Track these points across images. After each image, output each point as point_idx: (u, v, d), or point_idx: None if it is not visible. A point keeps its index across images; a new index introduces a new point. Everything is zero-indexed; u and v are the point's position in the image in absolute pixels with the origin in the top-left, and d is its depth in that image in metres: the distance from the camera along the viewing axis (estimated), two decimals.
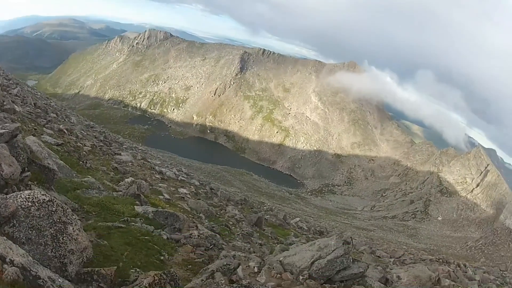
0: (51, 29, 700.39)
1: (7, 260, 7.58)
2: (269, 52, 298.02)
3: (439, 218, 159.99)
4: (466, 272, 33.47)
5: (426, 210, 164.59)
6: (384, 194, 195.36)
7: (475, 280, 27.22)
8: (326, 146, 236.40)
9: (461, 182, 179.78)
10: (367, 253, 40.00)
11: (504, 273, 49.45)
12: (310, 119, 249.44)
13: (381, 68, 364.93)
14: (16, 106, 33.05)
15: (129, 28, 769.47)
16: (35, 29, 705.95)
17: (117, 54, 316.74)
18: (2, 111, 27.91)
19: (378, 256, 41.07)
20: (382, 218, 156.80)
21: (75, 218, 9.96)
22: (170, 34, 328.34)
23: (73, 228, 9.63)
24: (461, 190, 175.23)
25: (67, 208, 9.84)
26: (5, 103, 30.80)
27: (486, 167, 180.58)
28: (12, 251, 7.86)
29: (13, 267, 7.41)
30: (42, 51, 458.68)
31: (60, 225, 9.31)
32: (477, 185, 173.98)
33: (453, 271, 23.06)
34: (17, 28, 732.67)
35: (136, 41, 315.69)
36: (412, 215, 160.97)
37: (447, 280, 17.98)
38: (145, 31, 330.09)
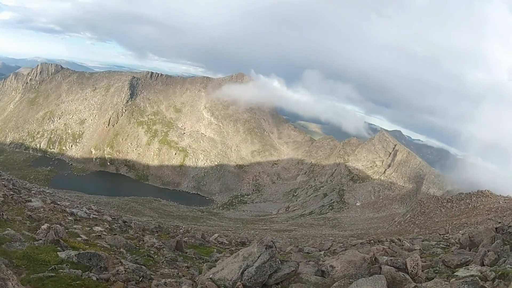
0: None
1: None
2: (157, 75, 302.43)
3: (358, 204, 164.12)
4: (403, 245, 34.43)
5: (342, 199, 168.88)
6: (295, 194, 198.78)
7: (415, 249, 28.12)
8: (226, 159, 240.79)
9: (371, 166, 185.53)
10: (295, 252, 40.70)
11: (446, 236, 50.86)
12: (205, 135, 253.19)
13: (268, 75, 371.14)
14: None
15: (23, 63, 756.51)
16: None
17: (13, 93, 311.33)
18: None
19: (307, 253, 41.81)
20: (300, 216, 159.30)
21: (11, 273, 10.17)
22: (61, 67, 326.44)
23: (12, 284, 9.83)
24: (372, 174, 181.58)
25: (1, 264, 10.09)
26: None
27: (394, 148, 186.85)
28: None
29: None
30: None
31: (1, 282, 9.45)
32: (389, 166, 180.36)
33: (389, 247, 23.83)
34: None
35: (30, 77, 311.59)
36: (329, 207, 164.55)
37: (384, 257, 18.52)
38: (37, 65, 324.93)
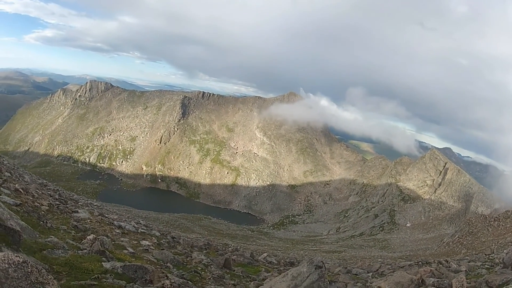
0: None
1: None
2: (208, 94, 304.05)
3: (408, 225, 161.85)
4: (449, 267, 33.48)
5: (393, 220, 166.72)
6: (346, 215, 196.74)
7: (461, 271, 27.24)
8: (278, 179, 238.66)
9: (421, 186, 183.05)
10: (343, 273, 39.81)
11: (491, 256, 49.56)
12: (258, 155, 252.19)
13: (315, 93, 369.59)
14: None
15: (71, 80, 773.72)
16: None
17: (61, 108, 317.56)
18: None
19: (356, 274, 40.91)
20: (350, 237, 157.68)
21: (51, 279, 9.71)
22: (111, 85, 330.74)
23: None
24: (423, 194, 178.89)
25: (42, 269, 9.62)
26: None
27: (444, 166, 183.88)
28: None
29: None
30: None
31: (38, 286, 9.11)
32: (439, 185, 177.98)
33: (436, 269, 23.05)
34: None
35: (79, 94, 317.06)
36: (379, 228, 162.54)
37: (431, 279, 17.91)
38: (87, 82, 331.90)
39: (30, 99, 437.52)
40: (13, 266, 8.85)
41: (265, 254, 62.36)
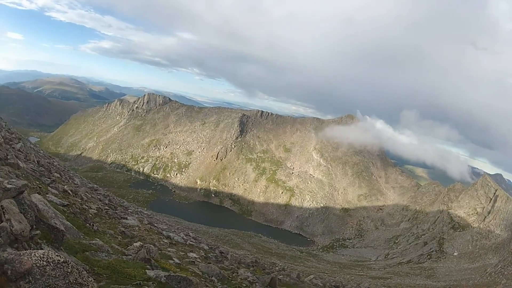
0: (52, 87, 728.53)
1: None
2: (267, 114, 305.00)
3: (455, 254, 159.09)
4: None
5: (441, 249, 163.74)
6: (396, 241, 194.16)
7: None
8: (332, 201, 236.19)
9: (472, 213, 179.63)
10: None
11: None
12: (314, 176, 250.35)
13: (370, 115, 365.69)
14: (20, 162, 32.83)
15: (128, 92, 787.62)
16: (36, 85, 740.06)
17: (117, 118, 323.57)
18: (6, 164, 27.64)
19: None
20: (398, 264, 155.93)
21: (91, 281, 9.66)
22: (169, 99, 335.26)
23: None
24: (473, 222, 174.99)
25: (82, 270, 9.57)
26: (8, 156, 30.57)
27: (494, 193, 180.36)
28: None
29: None
30: (43, 109, 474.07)
31: (76, 286, 9.03)
32: (489, 213, 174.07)
33: None
34: (17, 81, 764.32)
35: (136, 105, 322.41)
36: (427, 256, 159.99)
37: None
38: (144, 95, 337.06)
39: (85, 106, 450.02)
40: (51, 265, 8.81)
41: (311, 276, 62.28)
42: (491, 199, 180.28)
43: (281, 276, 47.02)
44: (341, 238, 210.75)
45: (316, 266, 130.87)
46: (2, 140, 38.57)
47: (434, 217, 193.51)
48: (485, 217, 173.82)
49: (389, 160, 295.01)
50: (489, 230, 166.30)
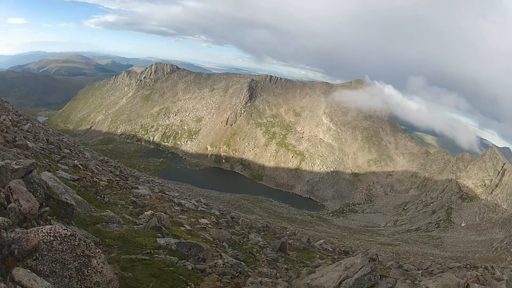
0: (58, 65, 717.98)
1: None
2: (276, 78, 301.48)
3: (463, 224, 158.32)
4: (494, 274, 33.05)
5: (449, 218, 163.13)
6: (405, 208, 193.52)
7: (503, 280, 26.80)
8: (342, 166, 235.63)
9: (480, 185, 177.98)
10: (394, 268, 39.52)
11: None
12: (324, 141, 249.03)
13: (378, 80, 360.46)
14: (28, 142, 33.02)
15: (135, 63, 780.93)
16: (41, 65, 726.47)
17: (125, 89, 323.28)
18: (15, 146, 27.86)
19: (406, 270, 40.61)
20: (406, 231, 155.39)
21: (98, 252, 9.85)
22: (177, 67, 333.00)
23: (97, 261, 9.56)
24: (481, 193, 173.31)
25: (90, 242, 9.76)
26: (17, 138, 30.77)
27: (502, 166, 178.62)
28: (37, 283, 7.82)
29: None
30: (50, 88, 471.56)
31: (84, 259, 9.26)
32: (496, 186, 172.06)
33: (481, 275, 22.75)
34: (22, 63, 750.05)
35: (144, 75, 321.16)
36: (435, 225, 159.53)
37: (475, 284, 17.73)
38: (152, 64, 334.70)
39: (92, 80, 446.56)
40: (58, 239, 9.01)
41: (321, 241, 62.25)
42: (499, 172, 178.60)
43: (291, 241, 46.96)
44: (351, 203, 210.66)
45: (326, 231, 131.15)
46: (10, 123, 38.72)
47: (442, 186, 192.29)
48: (493, 190, 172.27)
49: (399, 126, 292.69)
50: (496, 203, 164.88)
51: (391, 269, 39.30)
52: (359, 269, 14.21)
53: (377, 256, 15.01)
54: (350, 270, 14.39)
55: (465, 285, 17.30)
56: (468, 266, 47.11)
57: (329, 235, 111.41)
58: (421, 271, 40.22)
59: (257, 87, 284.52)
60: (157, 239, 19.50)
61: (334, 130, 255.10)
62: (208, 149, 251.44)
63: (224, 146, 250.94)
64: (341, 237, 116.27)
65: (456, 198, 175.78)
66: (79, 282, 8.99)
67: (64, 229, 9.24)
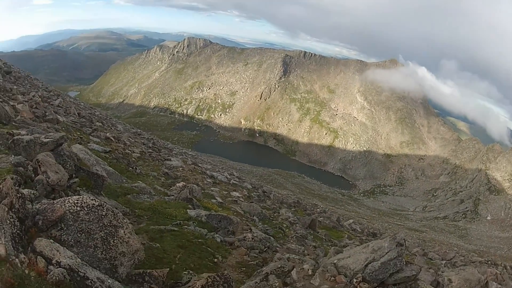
0: (88, 41, 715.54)
1: (53, 261, 7.69)
2: (310, 54, 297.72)
3: (488, 218, 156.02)
4: (511, 274, 33.02)
5: (476, 210, 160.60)
6: (435, 194, 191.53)
7: None
8: (375, 146, 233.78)
9: (507, 179, 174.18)
10: (419, 255, 39.53)
11: None
12: (357, 119, 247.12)
13: (412, 61, 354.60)
14: (59, 116, 33.20)
15: (167, 38, 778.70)
16: (70, 42, 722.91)
17: (158, 63, 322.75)
18: (45, 121, 28.02)
19: (430, 258, 40.65)
20: (434, 218, 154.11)
21: (126, 222, 10.01)
22: (210, 41, 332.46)
23: (124, 231, 9.68)
24: (508, 188, 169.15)
25: (118, 212, 9.88)
26: (47, 113, 30.97)
27: None
28: (59, 253, 7.91)
29: (60, 268, 7.51)
30: (81, 64, 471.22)
31: (110, 229, 9.37)
32: None
33: (500, 274, 22.61)
34: (50, 42, 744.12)
35: (176, 50, 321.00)
36: (462, 215, 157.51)
37: (494, 283, 17.66)
38: (184, 39, 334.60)
39: (124, 55, 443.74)
40: (85, 209, 9.12)
41: (350, 221, 62.38)
42: None
43: (321, 219, 47.20)
44: (382, 184, 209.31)
45: (356, 211, 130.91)
46: (40, 99, 38.98)
47: (472, 175, 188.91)
48: None
49: (432, 109, 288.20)
50: None
51: (416, 256, 39.27)
52: (386, 253, 14.14)
53: (405, 241, 14.94)
54: (377, 253, 14.32)
55: (485, 282, 17.23)
56: (489, 262, 46.96)
57: (359, 216, 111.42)
58: (444, 261, 40.26)
59: (291, 63, 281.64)
60: (188, 210, 19.64)
61: (368, 109, 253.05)
62: (242, 123, 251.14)
63: (258, 120, 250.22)
64: (370, 218, 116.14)
65: (484, 190, 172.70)
66: (104, 252, 9.07)
67: (92, 199, 9.39)
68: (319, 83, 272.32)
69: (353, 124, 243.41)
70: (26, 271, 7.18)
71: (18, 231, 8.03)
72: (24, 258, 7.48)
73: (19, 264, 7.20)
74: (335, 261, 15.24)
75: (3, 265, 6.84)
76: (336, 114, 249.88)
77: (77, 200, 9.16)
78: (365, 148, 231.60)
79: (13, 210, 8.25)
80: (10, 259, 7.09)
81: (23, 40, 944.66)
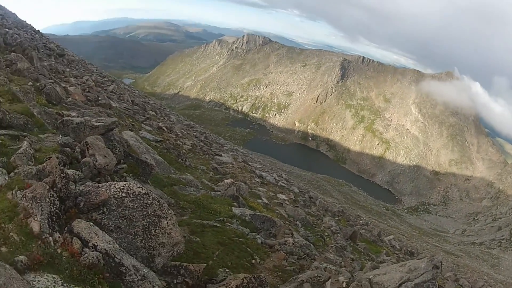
0: (146, 31, 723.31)
1: (90, 244, 7.78)
2: (368, 60, 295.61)
3: None
4: None
5: (511, 239, 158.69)
6: (475, 218, 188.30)
7: None
8: (425, 161, 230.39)
9: None
10: (451, 280, 39.47)
11: None
12: (410, 132, 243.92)
13: (466, 75, 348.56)
14: (112, 102, 33.68)
15: (226, 32, 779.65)
16: (127, 30, 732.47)
17: (216, 57, 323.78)
18: (97, 105, 28.40)
19: (461, 285, 40.61)
20: (471, 244, 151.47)
21: (171, 213, 10.02)
22: (269, 39, 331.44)
23: (167, 223, 9.72)
24: None
25: (164, 203, 9.93)
26: (100, 98, 31.44)
27: None
28: (97, 237, 8.00)
29: (95, 252, 7.58)
30: (137, 52, 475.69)
31: (154, 218, 9.42)
32: None
33: None
34: (107, 29, 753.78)
35: (235, 45, 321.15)
36: (498, 242, 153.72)
37: None
38: (244, 35, 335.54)
39: (182, 47, 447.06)
40: (131, 196, 9.17)
41: (391, 237, 62.35)
42: None
43: (363, 231, 47.13)
44: (426, 202, 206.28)
45: (398, 227, 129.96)
46: (93, 83, 39.57)
47: None
48: None
49: (483, 128, 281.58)
50: None
51: (447, 280, 39.15)
52: (421, 274, 14.07)
53: (441, 265, 14.81)
54: (413, 274, 14.25)
55: None
56: None
57: (399, 232, 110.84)
58: None
59: (349, 67, 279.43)
60: (233, 208, 19.81)
61: (421, 122, 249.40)
62: (296, 125, 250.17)
63: (312, 123, 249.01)
64: (410, 236, 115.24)
65: None
66: (143, 241, 9.15)
67: (139, 187, 9.47)
68: (376, 90, 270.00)
69: (405, 137, 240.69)
70: (59, 251, 7.28)
71: (56, 210, 8.16)
72: (59, 237, 7.60)
73: (52, 243, 7.31)
74: (370, 277, 15.18)
75: (35, 242, 6.97)
76: (390, 125, 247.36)
77: (123, 186, 9.25)
78: (414, 163, 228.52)
79: (54, 189, 8.34)
80: (43, 237, 7.22)
81: (77, 25, 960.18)
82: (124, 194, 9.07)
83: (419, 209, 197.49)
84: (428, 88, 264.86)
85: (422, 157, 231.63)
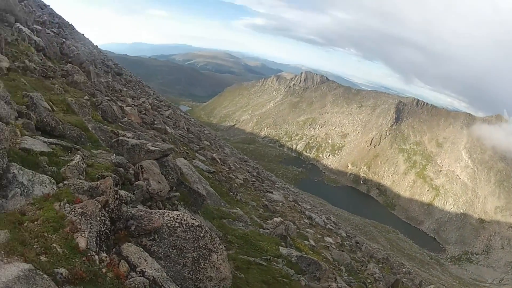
0: (205, 60, 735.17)
1: (138, 269, 7.80)
2: (422, 103, 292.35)
3: None
4: None
5: None
6: None
7: None
8: (472, 209, 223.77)
9: None
10: None
11: None
12: (460, 178, 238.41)
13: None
14: (167, 127, 33.94)
15: (284, 68, 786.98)
16: (187, 57, 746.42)
17: (274, 93, 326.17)
18: (153, 129, 28.62)
19: None
20: None
21: (221, 248, 9.97)
22: (327, 78, 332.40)
23: (217, 257, 9.63)
24: None
25: (215, 237, 9.89)
26: (155, 122, 31.74)
27: None
28: (146, 263, 8.02)
29: (142, 278, 7.59)
30: (196, 80, 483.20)
31: (204, 251, 9.38)
32: None
33: None
34: (166, 54, 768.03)
35: (293, 82, 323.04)
36: None
37: None
38: (302, 72, 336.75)
39: (240, 80, 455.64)
40: (184, 227, 9.19)
41: (431, 286, 61.78)
42: None
43: (405, 280, 46.86)
44: (469, 251, 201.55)
45: (439, 277, 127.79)
46: (150, 106, 40.01)
47: None
48: None
49: None
50: None
51: None
52: None
53: None
54: None
55: None
56: None
57: (440, 282, 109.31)
58: None
59: (404, 110, 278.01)
60: (280, 247, 19.72)
61: (471, 168, 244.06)
62: (349, 167, 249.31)
63: (365, 167, 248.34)
64: (450, 286, 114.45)
65: None
66: (191, 272, 9.07)
67: (193, 219, 9.47)
68: (429, 135, 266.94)
69: (455, 183, 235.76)
70: (103, 270, 7.25)
71: (106, 230, 8.17)
72: (105, 257, 7.60)
73: (97, 261, 7.31)
74: None
75: (79, 257, 6.99)
76: (441, 171, 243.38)
77: (177, 216, 9.29)
78: (462, 211, 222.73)
79: (106, 208, 8.41)
80: (89, 254, 7.24)
81: (137, 46, 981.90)
82: (177, 224, 9.11)
83: (462, 259, 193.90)
84: (479, 132, 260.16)
85: (470, 205, 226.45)
